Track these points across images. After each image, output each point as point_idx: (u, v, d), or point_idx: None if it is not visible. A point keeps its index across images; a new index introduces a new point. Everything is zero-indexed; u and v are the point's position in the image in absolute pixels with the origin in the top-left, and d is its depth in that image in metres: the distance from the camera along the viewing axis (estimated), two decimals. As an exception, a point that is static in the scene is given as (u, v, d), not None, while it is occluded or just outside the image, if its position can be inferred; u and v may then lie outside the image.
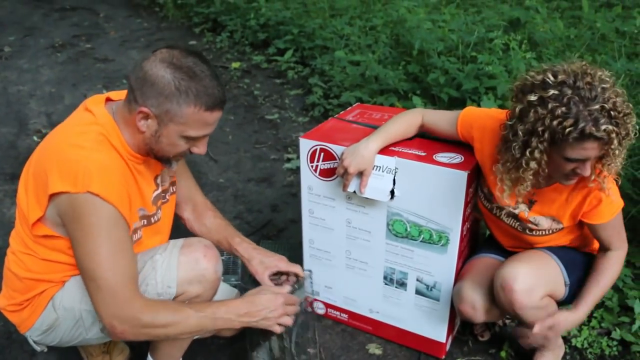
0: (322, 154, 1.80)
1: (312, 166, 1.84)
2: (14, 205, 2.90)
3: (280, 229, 2.70)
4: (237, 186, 3.16)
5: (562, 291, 1.62)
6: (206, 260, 1.48)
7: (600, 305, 2.08)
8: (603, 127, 1.28)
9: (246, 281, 2.05)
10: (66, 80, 4.96)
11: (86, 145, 1.31)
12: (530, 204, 1.60)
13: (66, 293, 1.47)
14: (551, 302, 1.60)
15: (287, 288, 1.62)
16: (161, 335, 1.40)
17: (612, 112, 1.30)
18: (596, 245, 1.70)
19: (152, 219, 1.55)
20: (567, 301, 1.66)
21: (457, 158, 1.65)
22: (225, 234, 1.78)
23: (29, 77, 5.03)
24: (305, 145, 1.82)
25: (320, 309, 2.10)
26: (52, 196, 1.30)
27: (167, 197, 1.63)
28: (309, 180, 1.87)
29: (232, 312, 1.44)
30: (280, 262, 1.71)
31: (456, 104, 3.21)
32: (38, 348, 1.58)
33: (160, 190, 1.57)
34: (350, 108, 2.16)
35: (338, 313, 2.06)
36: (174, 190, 1.68)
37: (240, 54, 5.84)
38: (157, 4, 7.99)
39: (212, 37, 6.35)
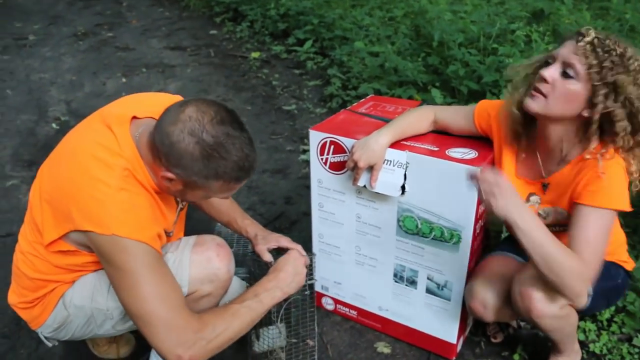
0: (332, 146, 1.76)
1: (322, 159, 1.80)
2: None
3: (293, 222, 2.67)
4: (251, 177, 3.13)
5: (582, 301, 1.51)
6: (219, 260, 1.46)
7: (621, 309, 2.00)
8: (589, 41, 1.32)
9: (255, 274, 2.02)
10: (87, 68, 4.99)
11: (112, 184, 1.25)
12: (543, 188, 1.54)
13: (76, 291, 1.45)
14: (572, 311, 1.51)
15: None
16: (226, 341, 1.34)
17: (613, 54, 1.31)
18: (623, 254, 1.62)
19: (171, 234, 1.53)
20: (588, 311, 1.58)
21: (471, 153, 1.59)
22: (233, 215, 1.77)
23: (51, 65, 5.08)
24: (315, 137, 1.78)
25: (329, 305, 2.06)
26: (76, 229, 1.27)
27: (182, 205, 1.60)
28: (318, 173, 1.83)
29: (270, 286, 1.46)
30: (282, 239, 1.70)
31: (476, 96, 3.13)
32: (49, 343, 1.58)
33: (180, 205, 1.55)
34: (363, 100, 2.11)
35: (347, 309, 2.02)
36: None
37: (260, 43, 5.80)
38: (179, -7, 8.01)
39: (233, 27, 6.33)
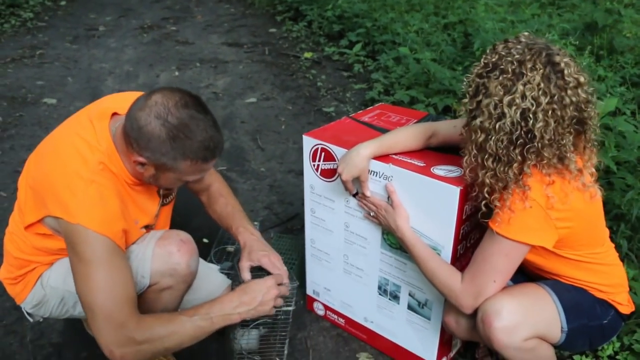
0: (323, 153, 1.75)
1: (313, 165, 1.80)
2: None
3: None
4: (276, 176, 3.18)
5: (556, 336, 1.44)
6: (179, 255, 1.49)
7: (628, 347, 1.88)
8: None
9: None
10: (145, 60, 5.22)
11: (85, 177, 1.32)
12: None
13: (53, 273, 1.54)
14: (541, 344, 1.43)
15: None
16: (161, 349, 1.36)
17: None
18: (620, 295, 1.52)
19: (152, 226, 1.59)
20: (563, 347, 1.50)
21: (456, 172, 1.54)
22: (230, 222, 1.78)
23: (113, 55, 5.35)
24: (308, 143, 1.78)
25: (320, 310, 2.06)
26: (50, 215, 1.35)
27: (166, 201, 1.65)
28: (310, 179, 1.83)
29: (227, 307, 1.43)
30: (265, 259, 1.66)
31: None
32: (31, 319, 1.67)
33: (162, 199, 1.60)
34: (371, 107, 2.09)
35: (336, 317, 2.01)
36: (173, 196, 1.70)
37: (315, 44, 5.85)
38: (246, -9, 8.20)
39: (291, 26, 6.41)
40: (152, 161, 1.33)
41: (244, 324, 1.74)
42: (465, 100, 1.36)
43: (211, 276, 1.76)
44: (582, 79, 1.28)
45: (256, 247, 1.69)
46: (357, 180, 1.63)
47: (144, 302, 1.54)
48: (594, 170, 1.39)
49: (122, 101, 1.47)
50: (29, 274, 1.54)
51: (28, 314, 1.64)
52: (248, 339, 1.79)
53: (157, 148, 1.30)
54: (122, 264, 1.37)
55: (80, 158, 1.35)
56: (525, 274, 1.58)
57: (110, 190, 1.36)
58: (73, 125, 1.45)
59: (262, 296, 1.47)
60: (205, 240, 2.51)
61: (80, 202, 1.30)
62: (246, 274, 1.63)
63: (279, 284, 1.55)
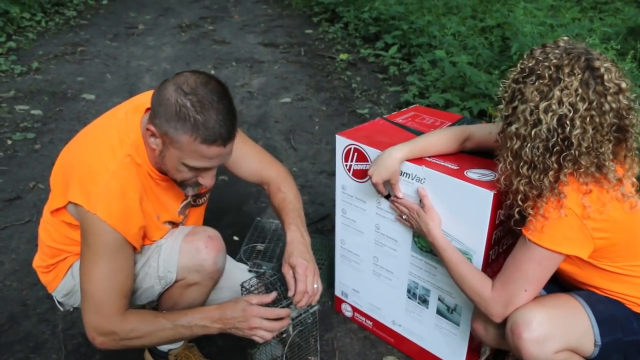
0: (356, 154, 1.75)
1: (346, 165, 1.79)
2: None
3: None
4: (308, 176, 3.18)
5: (589, 349, 1.39)
6: (207, 251, 1.50)
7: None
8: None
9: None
10: (182, 58, 5.30)
11: (110, 168, 1.34)
12: None
13: None
14: (572, 357, 1.38)
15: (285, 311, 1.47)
16: (138, 345, 1.45)
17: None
18: None
19: (179, 224, 1.60)
20: (597, 360, 1.44)
21: (489, 176, 1.51)
22: (284, 217, 1.66)
23: (151, 53, 5.45)
24: (341, 143, 1.78)
25: (347, 312, 2.05)
26: (71, 201, 1.37)
27: (198, 202, 1.66)
28: (342, 179, 1.83)
29: (207, 319, 1.42)
30: (301, 269, 1.48)
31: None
32: (62, 308, 1.69)
33: (189, 199, 1.60)
34: (405, 109, 2.08)
35: (363, 319, 2.00)
36: (206, 199, 1.70)
37: (351, 45, 5.84)
38: (284, -8, 8.25)
39: (327, 27, 6.43)
40: (159, 130, 1.30)
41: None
42: (501, 106, 1.33)
43: (237, 275, 1.73)
44: (623, 85, 1.24)
45: (297, 252, 1.54)
46: (389, 183, 1.62)
47: (170, 297, 1.56)
48: (635, 180, 1.35)
49: None
50: (60, 264, 1.57)
51: (59, 302, 1.67)
52: (272, 350, 1.77)
53: (165, 114, 1.27)
54: (127, 262, 1.41)
55: (110, 149, 1.37)
56: (559, 284, 1.54)
57: (132, 186, 1.38)
58: (108, 118, 1.48)
59: (236, 323, 1.41)
60: (235, 237, 2.53)
61: (102, 193, 1.32)
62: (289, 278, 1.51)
63: (275, 319, 1.43)
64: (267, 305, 1.45)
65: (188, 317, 1.42)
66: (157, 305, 1.65)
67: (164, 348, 1.73)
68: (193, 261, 1.49)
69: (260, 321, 1.39)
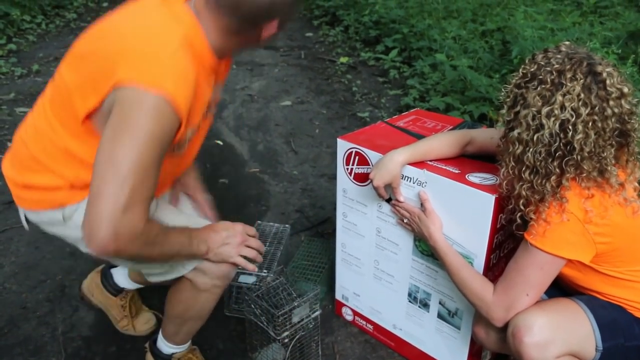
0: (357, 157, 1.75)
1: (347, 169, 1.79)
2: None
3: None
4: (308, 180, 3.18)
5: (590, 354, 1.38)
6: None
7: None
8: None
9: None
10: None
11: (172, 44, 1.16)
12: None
13: (82, 211, 1.19)
14: None
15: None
16: (151, 255, 1.27)
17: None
18: None
19: (184, 143, 1.35)
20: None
21: (491, 180, 1.51)
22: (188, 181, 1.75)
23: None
24: (342, 146, 1.78)
25: (348, 315, 2.05)
26: (117, 86, 1.12)
27: (208, 112, 1.45)
28: (343, 182, 1.83)
29: (200, 237, 1.38)
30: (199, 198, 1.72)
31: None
32: (27, 226, 1.48)
33: (212, 99, 1.43)
34: (406, 113, 2.08)
35: (364, 323, 2.00)
36: (214, 111, 1.54)
37: (351, 49, 5.85)
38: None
39: (328, 31, 6.44)
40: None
41: (264, 342, 1.75)
42: (503, 111, 1.34)
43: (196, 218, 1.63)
44: (625, 90, 1.24)
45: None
46: (390, 186, 1.62)
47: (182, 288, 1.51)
48: (637, 184, 1.35)
49: None
50: (47, 193, 1.33)
51: (26, 219, 1.45)
52: (273, 354, 1.77)
53: None
54: (159, 162, 1.18)
55: (166, 26, 1.19)
56: (560, 288, 1.54)
57: (192, 73, 1.19)
58: (139, 9, 1.27)
59: (226, 237, 1.41)
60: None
61: (166, 69, 1.13)
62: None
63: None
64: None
65: (190, 230, 1.37)
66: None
67: (167, 351, 1.70)
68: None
69: (246, 236, 1.45)
